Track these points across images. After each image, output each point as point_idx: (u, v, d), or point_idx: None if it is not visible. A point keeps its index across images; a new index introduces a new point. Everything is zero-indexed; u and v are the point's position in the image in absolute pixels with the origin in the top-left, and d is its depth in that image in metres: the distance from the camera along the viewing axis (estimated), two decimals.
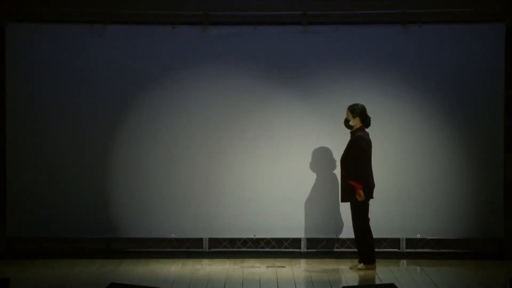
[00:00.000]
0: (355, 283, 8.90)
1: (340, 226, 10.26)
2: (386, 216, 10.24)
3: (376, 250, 10.30)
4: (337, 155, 10.21)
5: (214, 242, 10.43)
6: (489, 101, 10.25)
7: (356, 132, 9.57)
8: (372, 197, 9.54)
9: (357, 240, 9.57)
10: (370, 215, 10.08)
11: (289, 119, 10.15)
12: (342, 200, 9.59)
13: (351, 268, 9.61)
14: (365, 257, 9.54)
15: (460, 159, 10.27)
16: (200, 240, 10.41)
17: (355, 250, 10.31)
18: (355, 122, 9.59)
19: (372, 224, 10.15)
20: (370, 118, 9.61)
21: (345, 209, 10.20)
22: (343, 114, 10.13)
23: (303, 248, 10.35)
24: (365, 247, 9.53)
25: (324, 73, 10.29)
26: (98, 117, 10.28)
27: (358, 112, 9.55)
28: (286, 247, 10.40)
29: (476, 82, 10.25)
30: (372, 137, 10.18)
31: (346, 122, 9.66)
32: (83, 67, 10.25)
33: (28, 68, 10.24)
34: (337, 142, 10.20)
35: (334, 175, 10.24)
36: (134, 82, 10.28)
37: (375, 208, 10.19)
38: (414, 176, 10.27)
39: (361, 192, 9.39)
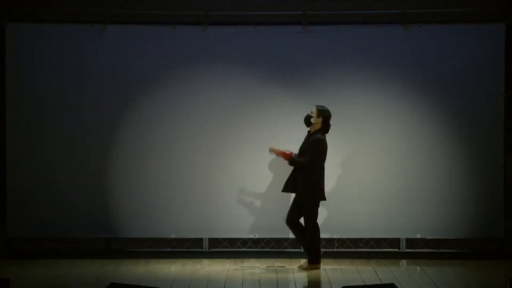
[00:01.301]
0: (356, 283, 8.89)
1: (340, 226, 10.26)
2: (386, 216, 10.24)
3: (376, 250, 10.35)
4: (338, 155, 10.22)
5: (214, 242, 10.43)
6: (489, 101, 10.25)
7: (316, 134, 9.58)
8: (324, 199, 9.59)
9: (307, 240, 9.63)
10: (370, 215, 10.12)
11: (289, 119, 10.13)
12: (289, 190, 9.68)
13: (298, 267, 9.67)
14: (313, 257, 9.58)
15: (460, 159, 10.27)
16: (200, 240, 10.41)
17: (355, 250, 10.34)
18: (317, 122, 9.58)
19: (372, 224, 10.19)
20: (330, 127, 9.62)
21: (346, 209, 10.22)
22: (344, 114, 10.18)
23: (303, 248, 10.33)
24: (313, 247, 9.57)
25: (324, 73, 10.29)
26: (98, 117, 10.27)
27: (324, 115, 9.57)
28: (286, 247, 10.40)
29: (476, 82, 10.25)
30: (372, 137, 10.22)
31: (308, 118, 9.63)
32: (83, 67, 10.25)
33: (28, 68, 10.23)
34: (338, 142, 10.20)
35: (334, 176, 10.24)
36: (134, 82, 10.28)
37: (375, 208, 10.21)
38: (414, 176, 10.27)
39: (288, 161, 9.54)
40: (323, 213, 10.23)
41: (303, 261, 9.76)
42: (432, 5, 10.27)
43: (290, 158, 9.58)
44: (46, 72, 10.24)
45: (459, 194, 10.26)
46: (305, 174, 9.51)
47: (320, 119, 9.58)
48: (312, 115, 9.61)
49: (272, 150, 9.73)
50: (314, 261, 9.60)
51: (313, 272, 9.47)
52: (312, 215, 9.58)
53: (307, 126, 9.68)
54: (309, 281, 9.13)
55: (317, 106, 9.63)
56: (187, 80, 10.28)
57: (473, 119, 10.26)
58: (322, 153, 9.53)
